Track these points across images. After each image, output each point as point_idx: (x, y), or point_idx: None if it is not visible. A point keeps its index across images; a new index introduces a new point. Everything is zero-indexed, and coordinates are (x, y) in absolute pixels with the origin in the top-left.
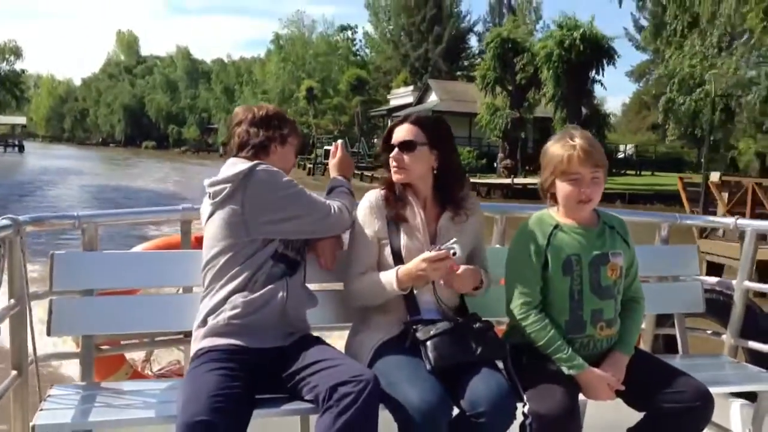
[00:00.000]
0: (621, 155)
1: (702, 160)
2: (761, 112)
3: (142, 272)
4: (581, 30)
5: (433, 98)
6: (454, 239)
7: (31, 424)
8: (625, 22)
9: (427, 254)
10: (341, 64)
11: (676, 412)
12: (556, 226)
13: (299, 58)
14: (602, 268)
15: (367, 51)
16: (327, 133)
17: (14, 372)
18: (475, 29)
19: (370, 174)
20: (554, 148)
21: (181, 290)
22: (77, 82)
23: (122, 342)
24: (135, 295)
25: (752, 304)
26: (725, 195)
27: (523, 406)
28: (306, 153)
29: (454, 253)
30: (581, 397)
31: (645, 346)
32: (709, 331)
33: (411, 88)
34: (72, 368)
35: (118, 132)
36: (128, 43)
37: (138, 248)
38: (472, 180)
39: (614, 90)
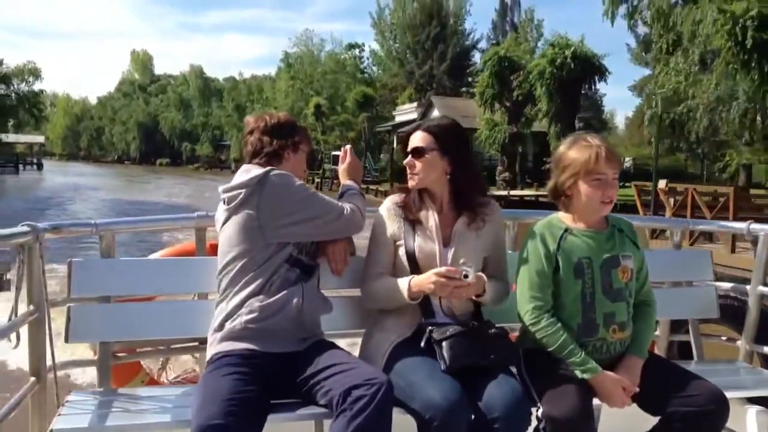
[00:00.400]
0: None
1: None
2: (741, 126)
3: (159, 279)
4: (572, 48)
5: (435, 114)
6: (472, 265)
7: (49, 428)
8: (630, 38)
9: (440, 269)
10: (349, 81)
11: (691, 416)
12: (566, 230)
13: (308, 76)
14: (613, 270)
15: (374, 68)
16: (335, 148)
17: (33, 378)
18: (479, 46)
19: (375, 188)
20: (573, 152)
21: (196, 297)
22: (93, 101)
23: (138, 349)
24: (151, 302)
25: (767, 309)
26: (671, 200)
27: (538, 411)
28: (315, 168)
29: (466, 276)
30: (595, 401)
31: (660, 352)
32: (723, 337)
33: (415, 104)
34: (88, 376)
35: (133, 149)
36: (142, 61)
37: (154, 255)
38: None
39: (622, 104)
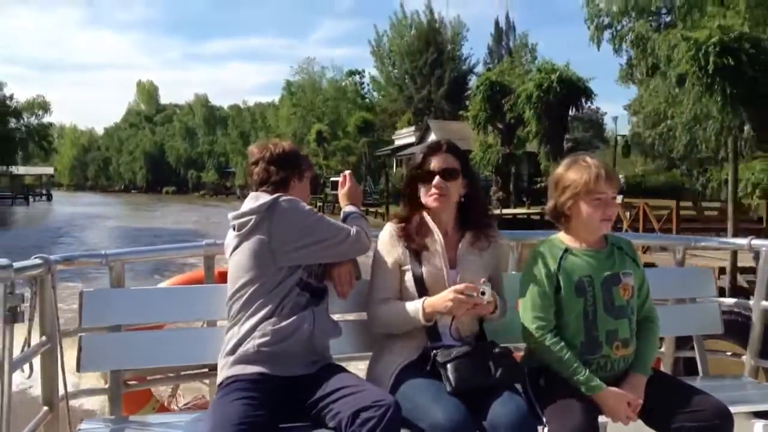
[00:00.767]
0: None
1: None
2: (717, 143)
3: (168, 307)
4: (558, 72)
5: (432, 138)
6: (489, 283)
7: None
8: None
9: (458, 286)
10: (349, 107)
11: (697, 431)
12: (566, 250)
13: (309, 103)
14: (614, 288)
15: (375, 94)
16: (337, 173)
17: (45, 408)
18: (476, 70)
19: (374, 210)
20: (572, 173)
21: (205, 324)
22: (100, 132)
23: (149, 377)
24: (161, 330)
25: None
26: (628, 214)
27: (543, 429)
28: (317, 192)
29: (483, 293)
30: (601, 418)
31: (666, 369)
32: (728, 353)
33: (413, 128)
34: (99, 404)
35: (140, 179)
36: (148, 92)
37: (163, 284)
38: None
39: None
